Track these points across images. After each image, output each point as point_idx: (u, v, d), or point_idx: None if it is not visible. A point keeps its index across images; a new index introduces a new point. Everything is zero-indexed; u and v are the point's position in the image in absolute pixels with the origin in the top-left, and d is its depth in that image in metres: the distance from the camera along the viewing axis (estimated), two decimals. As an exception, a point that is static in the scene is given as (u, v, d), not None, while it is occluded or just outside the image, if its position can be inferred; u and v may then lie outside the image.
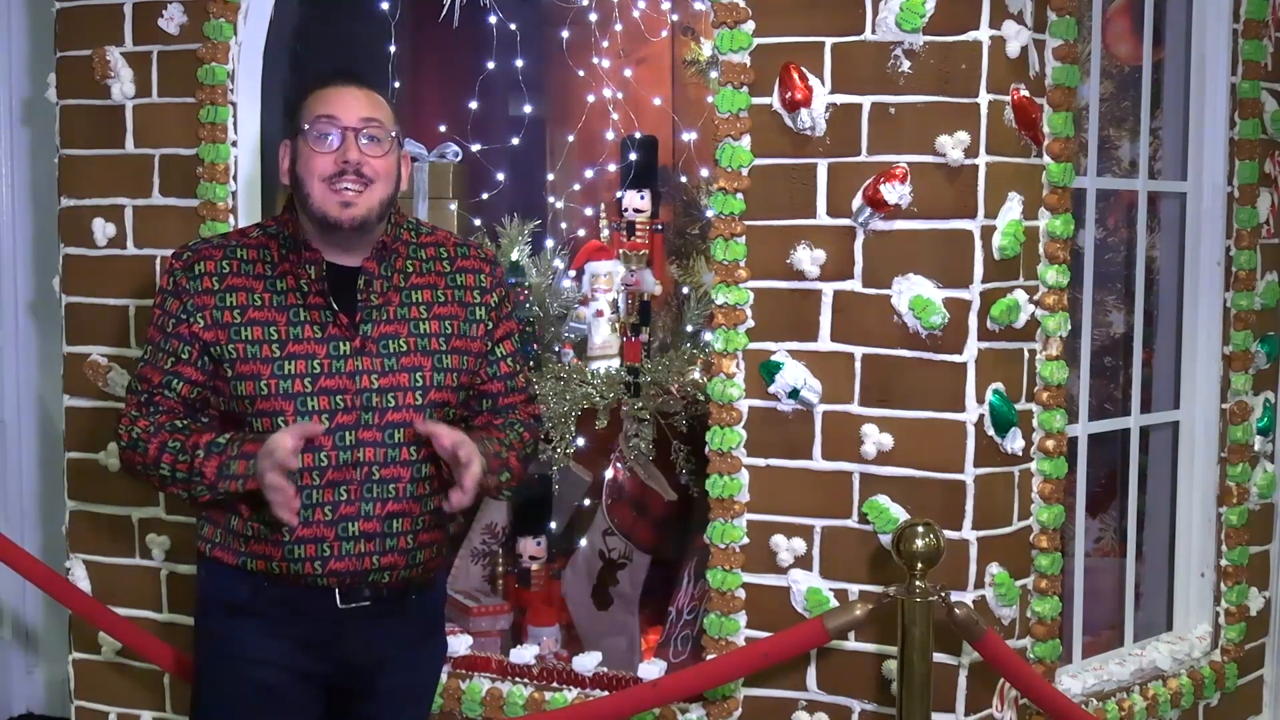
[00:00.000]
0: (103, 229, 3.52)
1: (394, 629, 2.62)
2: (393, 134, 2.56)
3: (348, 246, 2.57)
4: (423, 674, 2.76)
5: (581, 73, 4.18)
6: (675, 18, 4.17)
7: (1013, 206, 2.95)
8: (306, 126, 2.53)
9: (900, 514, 2.96)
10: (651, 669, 3.31)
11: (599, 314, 3.77)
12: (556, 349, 3.78)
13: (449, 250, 2.69)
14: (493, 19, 3.92)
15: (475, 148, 4.06)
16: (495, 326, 2.69)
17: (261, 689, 2.57)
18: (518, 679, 3.38)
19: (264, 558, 2.53)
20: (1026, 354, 3.05)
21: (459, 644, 3.43)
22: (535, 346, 3.70)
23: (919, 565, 2.69)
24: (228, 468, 2.48)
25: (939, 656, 2.89)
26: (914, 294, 2.92)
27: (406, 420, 2.54)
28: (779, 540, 3.08)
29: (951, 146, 2.88)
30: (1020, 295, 2.99)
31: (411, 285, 2.62)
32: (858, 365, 3.00)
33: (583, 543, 3.83)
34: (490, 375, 2.70)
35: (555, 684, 3.35)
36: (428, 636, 2.74)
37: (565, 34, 4.11)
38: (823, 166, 2.99)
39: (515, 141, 4.17)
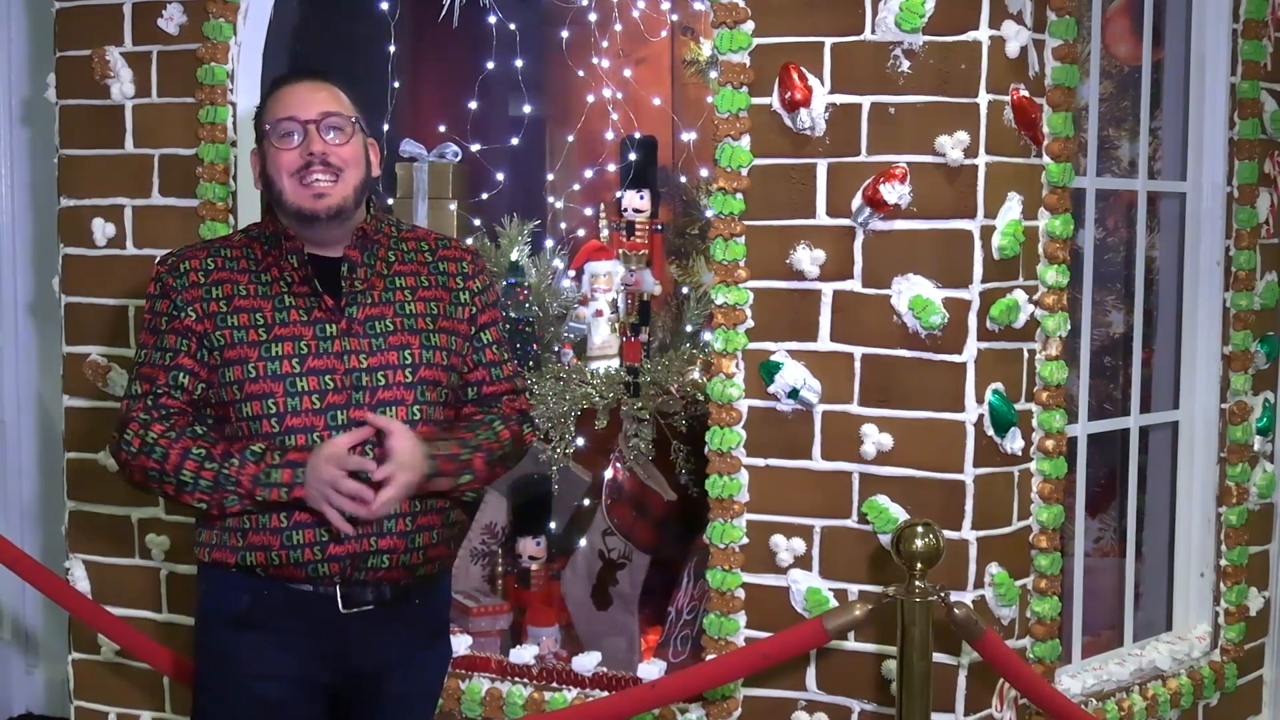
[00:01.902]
0: (102, 229, 3.52)
1: (398, 634, 2.62)
2: (353, 120, 2.59)
3: (327, 238, 2.59)
4: (427, 680, 2.75)
5: (581, 73, 4.18)
6: (675, 18, 4.17)
7: (1012, 206, 2.95)
8: (268, 128, 2.56)
9: (900, 514, 2.96)
10: (651, 669, 3.31)
11: (598, 314, 3.78)
12: (556, 349, 3.78)
13: (430, 243, 2.73)
14: (493, 19, 3.92)
15: (475, 148, 4.06)
16: (479, 312, 2.71)
17: (264, 704, 2.55)
18: (517, 679, 3.38)
19: (263, 549, 2.52)
20: (1026, 354, 3.05)
21: (459, 644, 3.43)
22: (535, 346, 3.70)
23: (918, 565, 2.69)
24: (269, 476, 2.47)
25: (939, 656, 2.88)
26: (914, 294, 2.92)
27: (398, 399, 2.55)
28: (779, 540, 3.08)
29: (951, 146, 2.88)
30: (1020, 295, 2.99)
31: (395, 272, 2.65)
32: (857, 365, 3.00)
33: (582, 543, 3.83)
34: (475, 363, 2.71)
35: (555, 684, 3.35)
36: (432, 642, 2.73)
37: (565, 34, 4.11)
38: (822, 166, 2.99)
39: (515, 141, 4.17)
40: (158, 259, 2.66)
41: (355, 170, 2.58)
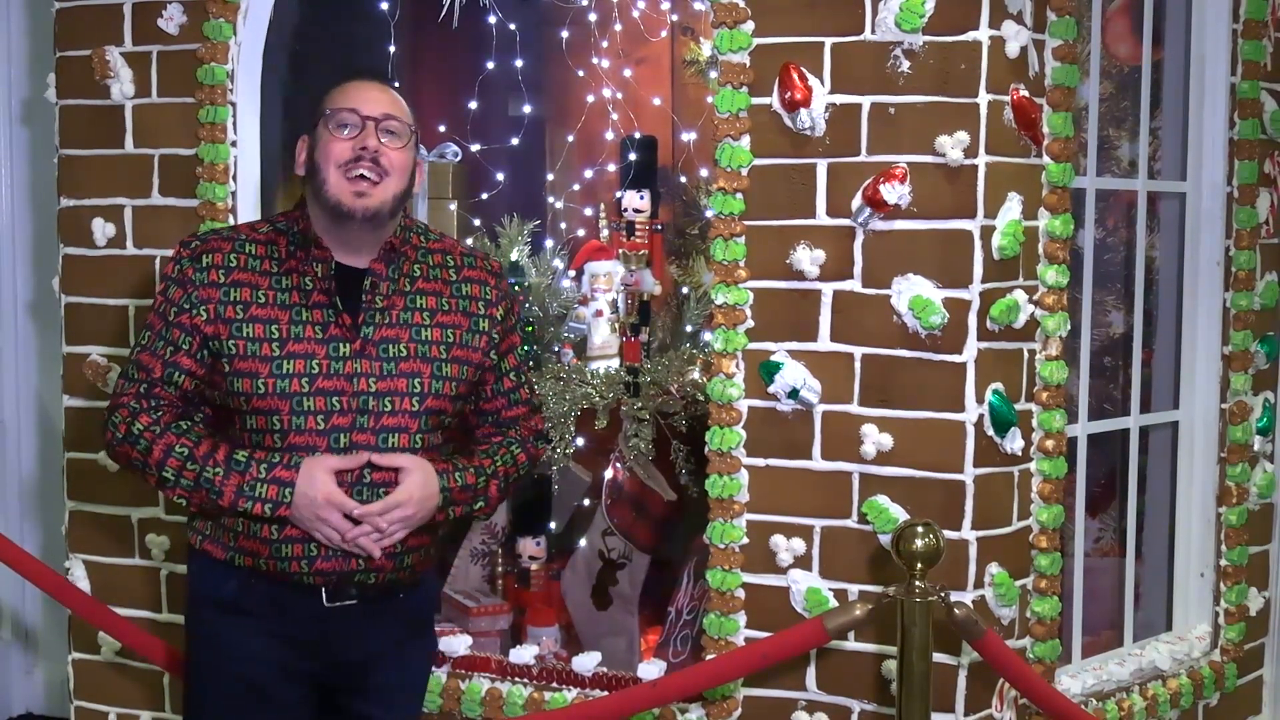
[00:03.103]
0: (102, 229, 3.52)
1: (382, 627, 2.62)
2: (411, 130, 2.58)
3: (356, 244, 2.56)
4: (412, 671, 2.75)
5: (581, 73, 4.18)
6: (675, 18, 4.17)
7: (1012, 206, 2.95)
8: (328, 113, 2.53)
9: (900, 514, 2.96)
10: (651, 669, 3.31)
11: (598, 314, 3.77)
12: (556, 349, 3.78)
13: (455, 259, 2.68)
14: (493, 19, 3.92)
15: (475, 148, 4.06)
16: (500, 340, 2.68)
17: (250, 687, 2.56)
18: (517, 679, 3.38)
19: (251, 554, 2.53)
20: (1026, 354, 3.05)
21: (459, 644, 3.43)
22: (535, 347, 3.71)
23: (918, 565, 2.69)
24: (253, 489, 2.46)
25: (939, 656, 2.88)
26: (914, 294, 2.92)
27: (402, 426, 2.54)
28: (778, 540, 3.08)
29: (951, 146, 2.88)
30: (1020, 295, 2.99)
31: (417, 290, 2.61)
32: (857, 365, 3.00)
33: (582, 543, 3.83)
34: (494, 391, 2.70)
35: (555, 684, 3.35)
36: (417, 634, 2.73)
37: (565, 34, 4.11)
38: (822, 166, 2.99)
39: (515, 141, 4.17)
40: (182, 239, 2.61)
41: (400, 178, 2.54)
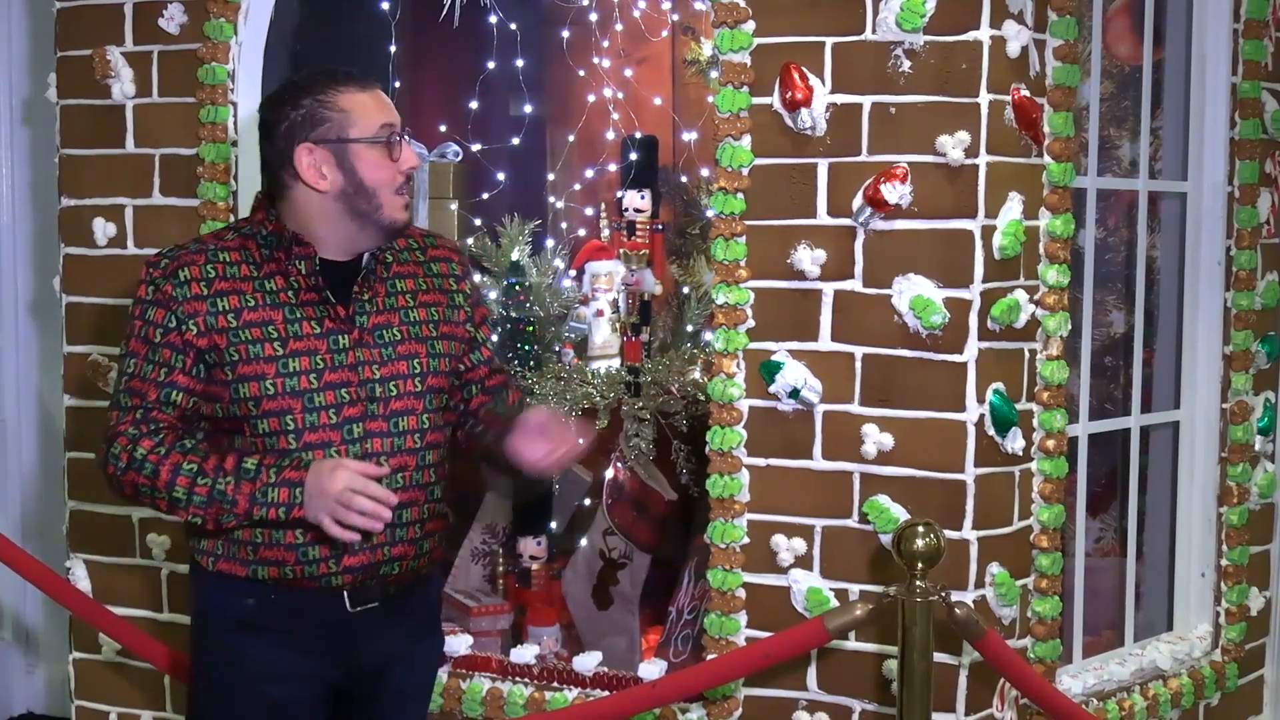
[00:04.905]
0: (103, 229, 3.52)
1: (400, 628, 2.63)
2: None
3: (359, 247, 2.56)
4: (424, 672, 2.77)
5: (581, 73, 4.17)
6: (675, 18, 4.17)
7: (1013, 206, 2.95)
8: (375, 132, 2.50)
9: (900, 514, 2.96)
10: (651, 669, 3.31)
11: (599, 314, 3.77)
12: (557, 349, 3.78)
13: (418, 241, 2.71)
14: (493, 19, 3.92)
15: (475, 148, 4.06)
16: (473, 311, 2.72)
17: (271, 705, 2.54)
18: (518, 679, 3.38)
19: (277, 564, 2.50)
20: (1027, 354, 3.05)
21: (459, 644, 3.43)
22: (535, 346, 3.71)
23: (919, 565, 2.69)
24: (265, 495, 2.42)
25: (939, 656, 2.88)
26: (914, 294, 2.92)
27: (409, 408, 2.55)
28: (779, 540, 3.08)
29: (952, 146, 2.88)
30: (1021, 295, 2.99)
31: (394, 275, 2.62)
32: (858, 365, 3.00)
33: (583, 542, 3.82)
34: (475, 361, 2.72)
35: (555, 684, 3.35)
36: (428, 633, 2.75)
37: (565, 34, 4.11)
38: (823, 166, 2.99)
39: (515, 141, 4.17)
40: (149, 260, 2.54)
41: None
